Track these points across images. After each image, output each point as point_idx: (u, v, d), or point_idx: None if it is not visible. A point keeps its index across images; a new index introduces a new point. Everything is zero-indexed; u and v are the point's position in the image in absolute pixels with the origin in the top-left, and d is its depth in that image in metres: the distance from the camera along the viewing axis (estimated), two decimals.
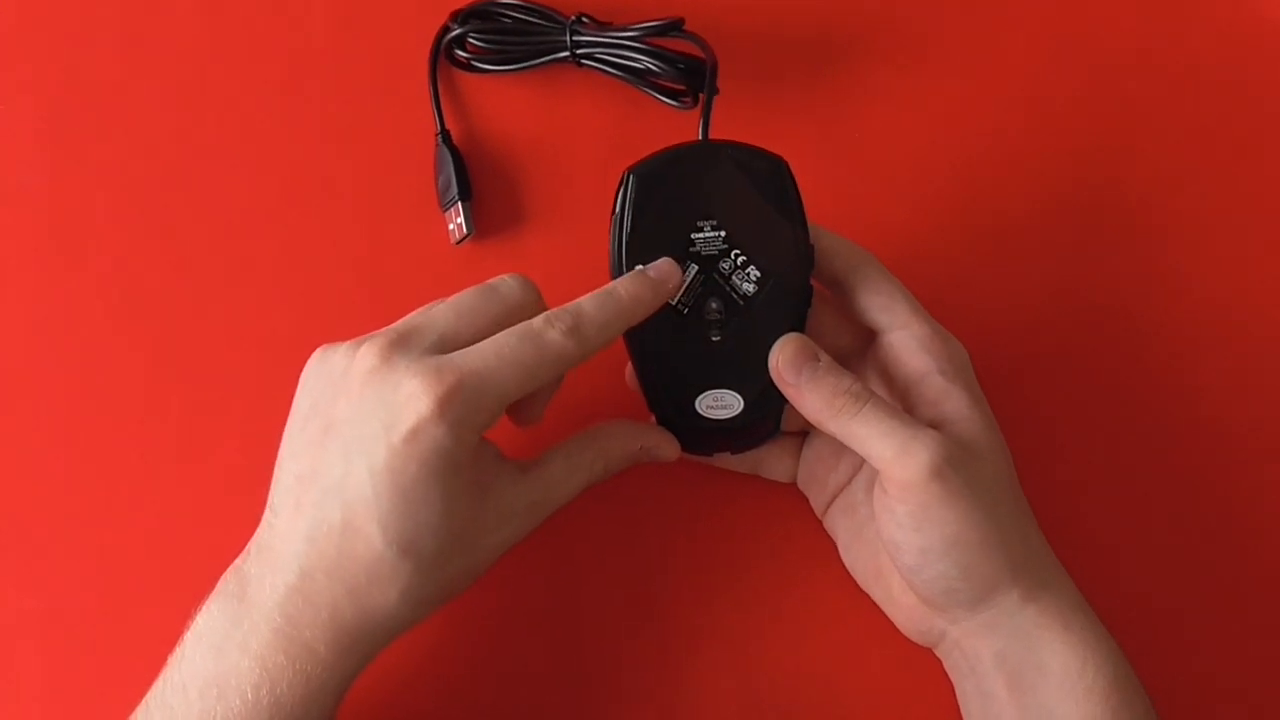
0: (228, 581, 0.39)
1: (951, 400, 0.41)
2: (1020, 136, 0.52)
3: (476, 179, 0.50)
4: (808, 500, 0.46)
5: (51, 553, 0.47)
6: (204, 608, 0.39)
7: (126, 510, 0.47)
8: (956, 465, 0.39)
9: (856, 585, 0.45)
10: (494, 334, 0.39)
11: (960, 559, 0.39)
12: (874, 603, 0.45)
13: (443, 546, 0.38)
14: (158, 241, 0.50)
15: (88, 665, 0.45)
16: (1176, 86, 0.53)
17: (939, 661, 0.44)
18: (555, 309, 0.40)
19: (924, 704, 0.44)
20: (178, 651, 0.38)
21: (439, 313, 0.40)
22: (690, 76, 0.47)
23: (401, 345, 0.39)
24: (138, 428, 0.48)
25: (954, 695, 0.43)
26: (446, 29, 0.51)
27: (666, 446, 0.44)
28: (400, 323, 0.40)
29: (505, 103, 0.52)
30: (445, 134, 0.51)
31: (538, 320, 0.39)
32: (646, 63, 0.48)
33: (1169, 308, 0.50)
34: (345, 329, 0.41)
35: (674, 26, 0.48)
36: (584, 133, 0.52)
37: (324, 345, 0.41)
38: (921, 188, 0.51)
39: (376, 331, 0.40)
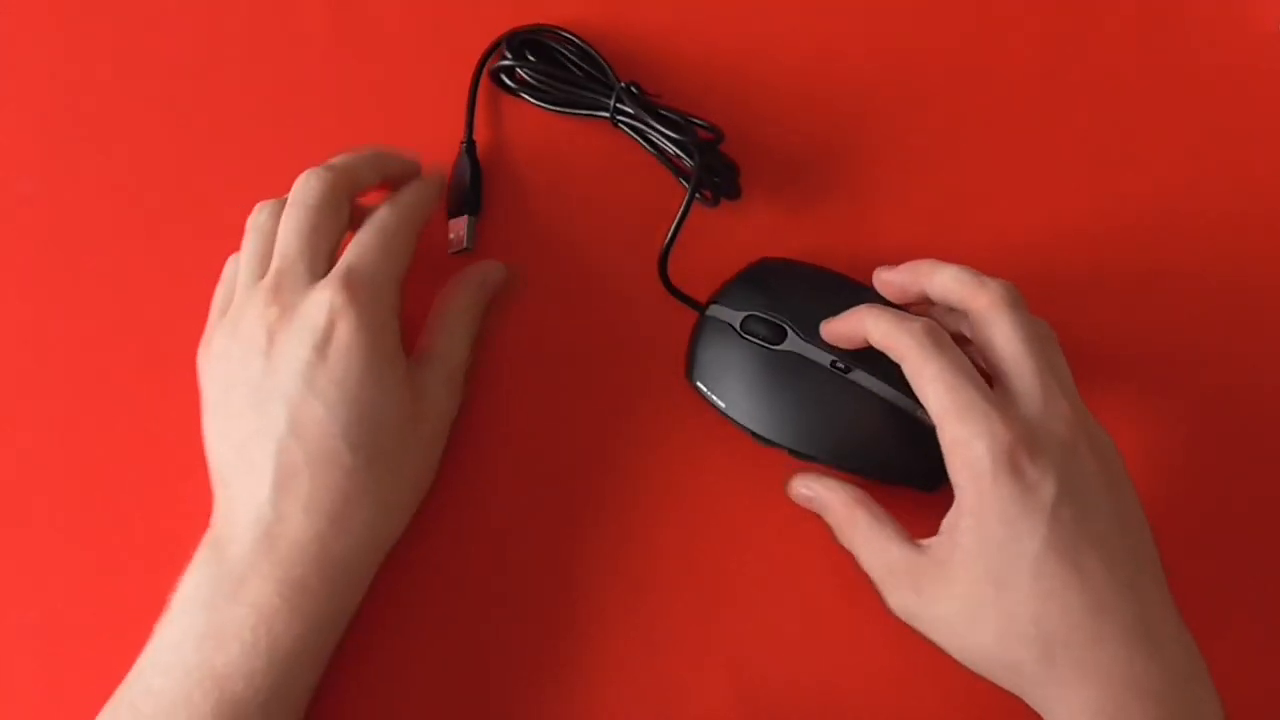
0: (202, 551, 0.39)
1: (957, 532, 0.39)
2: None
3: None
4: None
5: (51, 553, 0.45)
6: (184, 578, 0.39)
7: (126, 510, 0.46)
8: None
9: (857, 585, 0.43)
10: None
11: (993, 673, 0.40)
12: (874, 602, 0.42)
13: (396, 441, 0.40)
14: (156, 238, 0.50)
15: (88, 665, 0.43)
16: (1178, 90, 0.53)
17: (939, 661, 0.41)
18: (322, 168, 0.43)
19: (924, 704, 0.44)
20: (164, 617, 0.38)
21: (285, 246, 0.41)
22: (718, 184, 0.48)
23: (283, 286, 0.41)
24: (137, 428, 0.47)
25: (955, 697, 0.43)
26: (499, 49, 0.51)
27: (493, 270, 0.47)
28: (263, 280, 0.42)
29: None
30: (471, 144, 0.50)
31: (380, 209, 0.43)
32: (676, 151, 0.48)
33: (1169, 307, 0.50)
34: None
35: (712, 142, 0.48)
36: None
37: (200, 345, 0.43)
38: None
39: (239, 299, 0.42)
